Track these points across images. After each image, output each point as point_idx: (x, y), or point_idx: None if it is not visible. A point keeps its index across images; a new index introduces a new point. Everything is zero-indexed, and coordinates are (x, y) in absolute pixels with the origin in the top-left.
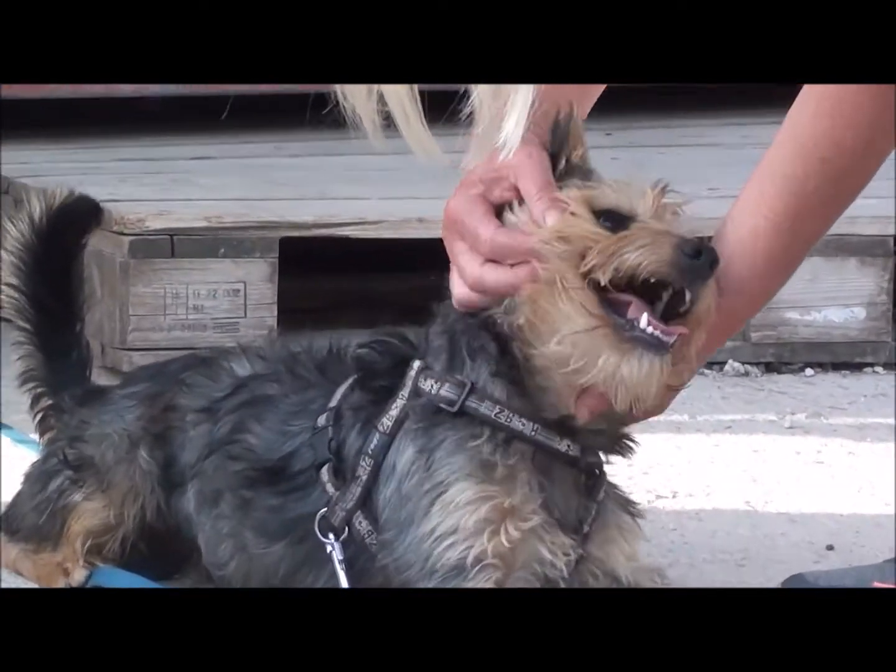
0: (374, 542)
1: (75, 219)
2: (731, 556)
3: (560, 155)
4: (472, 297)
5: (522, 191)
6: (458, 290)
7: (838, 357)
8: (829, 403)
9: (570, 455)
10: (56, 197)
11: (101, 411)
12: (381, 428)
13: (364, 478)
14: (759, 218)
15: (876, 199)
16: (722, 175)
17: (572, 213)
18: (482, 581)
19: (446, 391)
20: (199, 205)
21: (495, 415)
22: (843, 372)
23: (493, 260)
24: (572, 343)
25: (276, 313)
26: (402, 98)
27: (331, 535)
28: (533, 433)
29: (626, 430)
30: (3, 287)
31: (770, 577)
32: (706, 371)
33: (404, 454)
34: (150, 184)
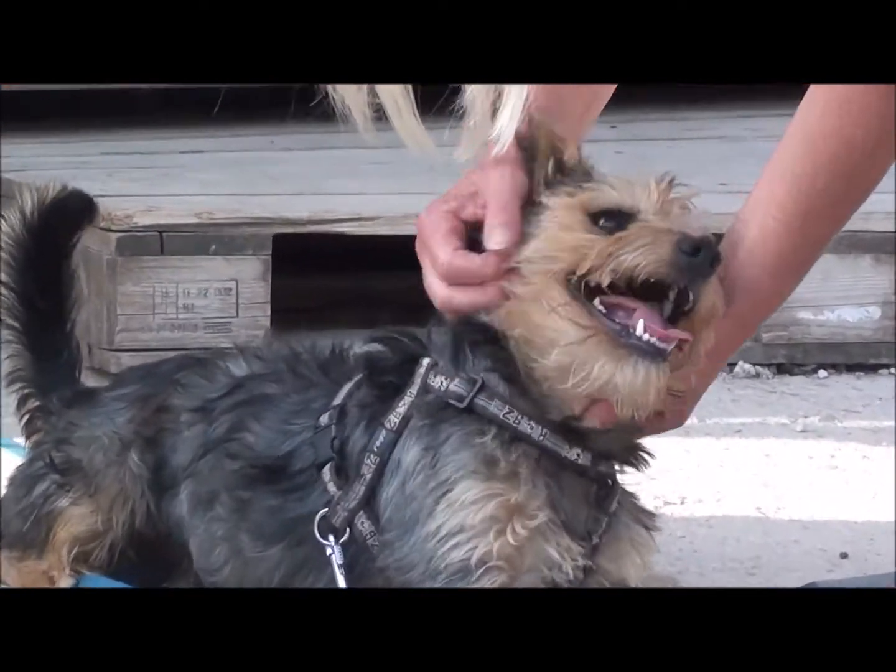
0: (376, 543)
1: (68, 214)
2: (741, 565)
3: (536, 167)
4: (448, 311)
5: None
6: (435, 303)
7: (852, 358)
8: (843, 406)
9: (579, 464)
10: (49, 192)
11: (90, 413)
12: (387, 425)
13: (368, 476)
14: (769, 218)
15: (890, 194)
16: (730, 169)
17: (560, 224)
18: (487, 584)
19: (456, 386)
20: (189, 200)
21: (504, 415)
22: (857, 373)
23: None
24: (568, 355)
25: (269, 313)
26: (393, 90)
27: (331, 538)
28: (541, 438)
29: (640, 440)
30: None
31: (782, 586)
32: None
33: (410, 452)
34: (138, 178)
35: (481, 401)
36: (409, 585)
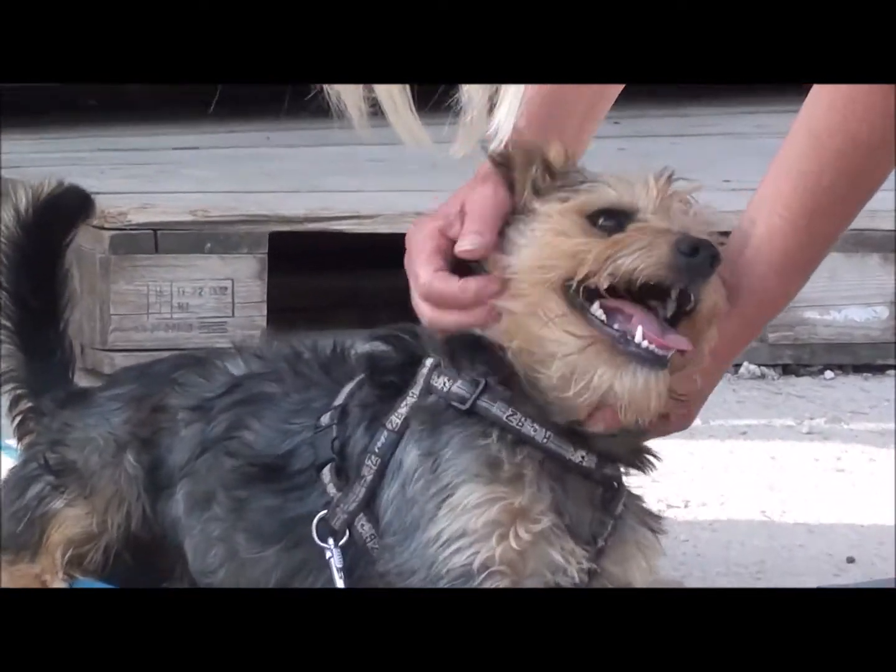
0: (376, 546)
1: (64, 211)
2: (746, 569)
3: (517, 179)
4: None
5: None
6: (423, 322)
7: (859, 359)
8: (850, 408)
9: (583, 466)
10: (43, 188)
11: (85, 414)
12: (389, 425)
13: (369, 478)
14: (775, 216)
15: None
16: (736, 166)
17: (555, 230)
18: None
19: (458, 388)
20: (184, 197)
21: (507, 417)
22: (864, 374)
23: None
24: (568, 365)
25: (265, 312)
26: (389, 85)
27: (330, 541)
28: (545, 440)
29: (645, 442)
30: None
31: None
32: None
33: (410, 455)
34: (132, 175)
35: (484, 402)
36: None
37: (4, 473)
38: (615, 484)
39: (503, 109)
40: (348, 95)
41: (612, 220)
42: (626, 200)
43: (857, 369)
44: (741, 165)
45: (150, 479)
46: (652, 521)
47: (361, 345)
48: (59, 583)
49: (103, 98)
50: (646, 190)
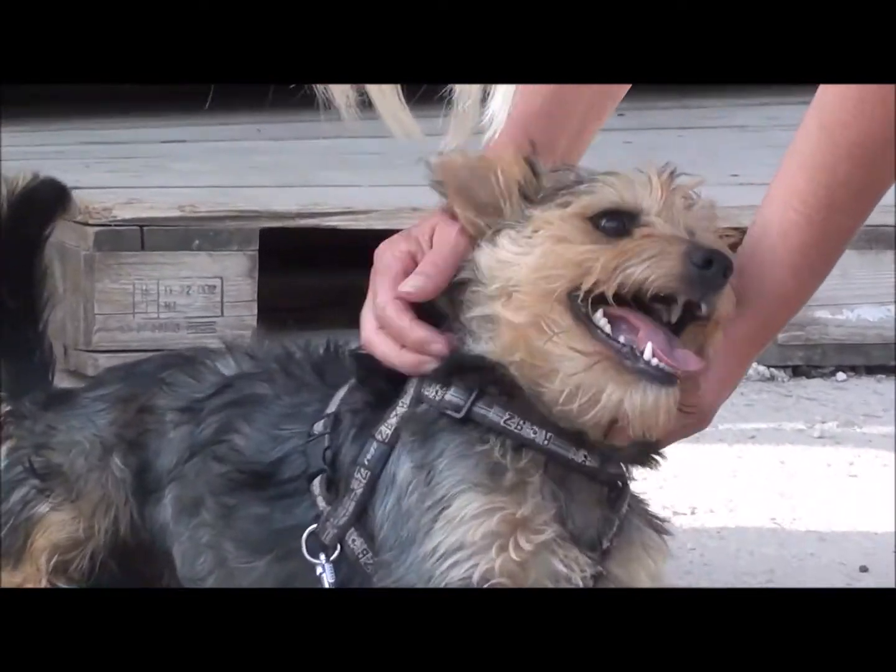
0: (370, 561)
1: (39, 204)
2: (755, 579)
3: (492, 206)
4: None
5: None
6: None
7: (873, 360)
8: (863, 411)
9: (587, 466)
10: (18, 182)
11: (69, 416)
12: (379, 436)
13: (359, 491)
14: (791, 212)
15: None
16: (745, 160)
17: (557, 238)
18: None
19: (452, 396)
20: (171, 192)
21: (505, 421)
22: (878, 376)
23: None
24: (574, 383)
25: (255, 312)
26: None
27: (321, 556)
28: (546, 442)
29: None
30: None
31: None
32: None
33: (402, 468)
34: (117, 169)
35: (480, 409)
36: None
37: None
38: (620, 483)
39: (497, 99)
40: (335, 85)
41: (615, 221)
42: (628, 201)
43: (871, 371)
44: (750, 159)
45: (137, 483)
46: (656, 522)
47: (355, 345)
48: None
49: (87, 90)
50: (649, 189)
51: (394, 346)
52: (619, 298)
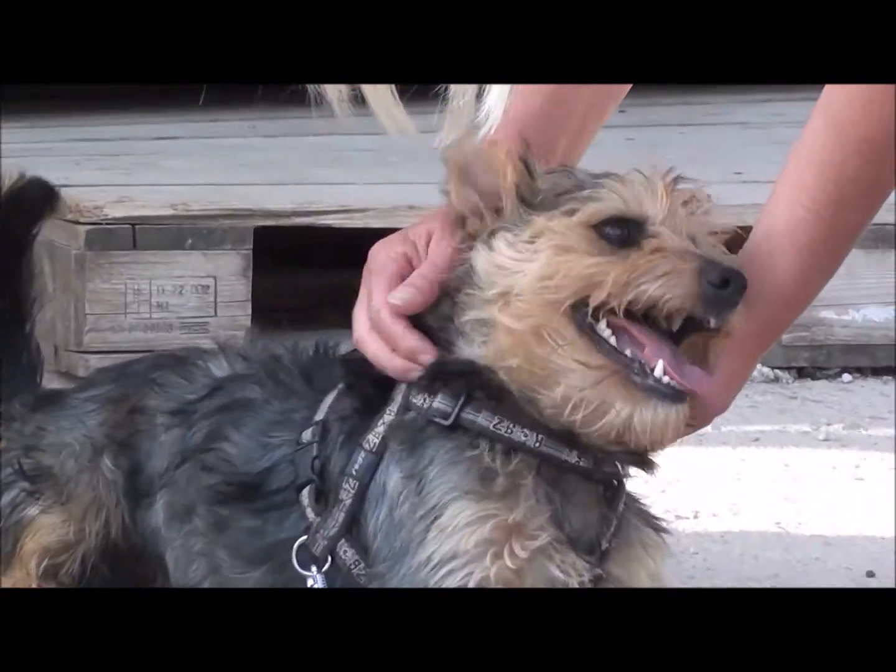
0: (362, 572)
1: (26, 204)
2: (759, 584)
3: (489, 193)
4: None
5: None
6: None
7: (879, 361)
8: (869, 413)
9: (582, 466)
10: (4, 181)
11: (59, 417)
12: (366, 445)
13: (348, 502)
14: (799, 208)
15: None
16: (749, 157)
17: (561, 247)
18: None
19: (440, 403)
20: (163, 190)
21: (494, 426)
22: (884, 377)
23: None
24: (580, 396)
25: (249, 312)
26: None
27: (312, 568)
28: (537, 444)
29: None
30: None
31: None
32: None
33: (392, 478)
34: (109, 167)
35: (468, 414)
36: None
37: None
38: (615, 481)
39: (493, 95)
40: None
41: (619, 229)
42: (633, 208)
43: (877, 372)
44: (753, 156)
45: (129, 485)
46: (654, 521)
47: (345, 347)
48: None
49: (77, 85)
50: (653, 196)
51: (385, 349)
52: (625, 311)
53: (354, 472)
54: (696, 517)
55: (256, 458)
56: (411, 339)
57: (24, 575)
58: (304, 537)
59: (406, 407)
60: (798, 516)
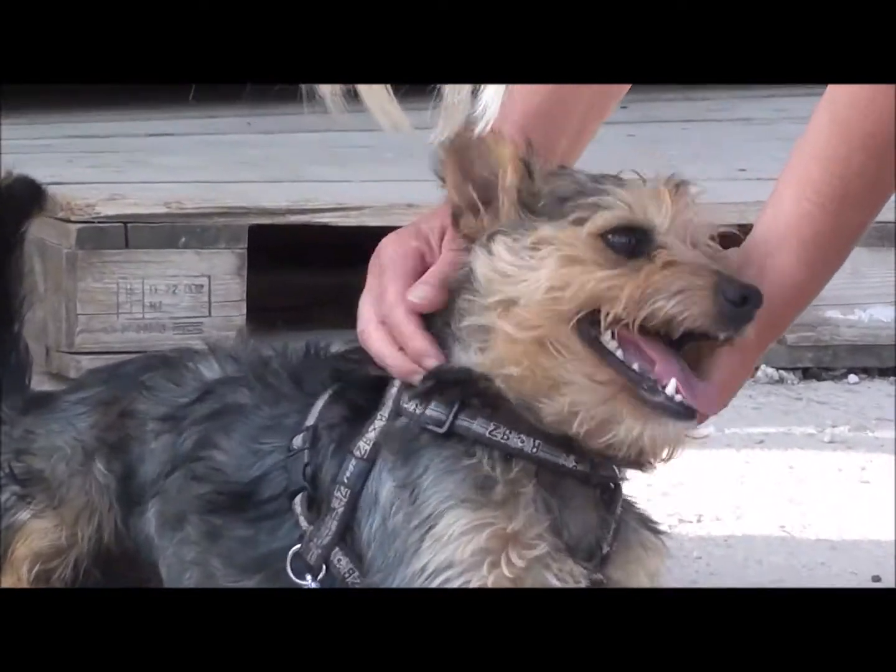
0: (357, 580)
1: (14, 204)
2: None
3: (485, 186)
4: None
5: None
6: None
7: (885, 361)
8: (875, 414)
9: (579, 470)
10: None
11: (49, 419)
12: (357, 452)
13: (340, 510)
14: (804, 202)
15: None
16: (753, 154)
17: (567, 257)
18: None
19: (433, 410)
20: (156, 188)
21: (490, 432)
22: (890, 378)
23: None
24: (586, 412)
25: (244, 311)
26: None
27: (307, 577)
28: (535, 450)
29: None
30: None
31: None
32: None
33: (384, 487)
34: (100, 164)
35: (463, 421)
36: None
37: None
38: (612, 485)
39: (489, 91)
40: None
41: (625, 237)
42: (640, 217)
43: (883, 373)
44: (756, 152)
45: (122, 489)
46: (652, 524)
47: (336, 349)
48: None
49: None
50: (658, 203)
51: (391, 346)
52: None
53: (346, 480)
54: (699, 521)
55: (247, 466)
56: (422, 341)
57: (15, 580)
58: (298, 546)
59: (397, 412)
60: (803, 519)
